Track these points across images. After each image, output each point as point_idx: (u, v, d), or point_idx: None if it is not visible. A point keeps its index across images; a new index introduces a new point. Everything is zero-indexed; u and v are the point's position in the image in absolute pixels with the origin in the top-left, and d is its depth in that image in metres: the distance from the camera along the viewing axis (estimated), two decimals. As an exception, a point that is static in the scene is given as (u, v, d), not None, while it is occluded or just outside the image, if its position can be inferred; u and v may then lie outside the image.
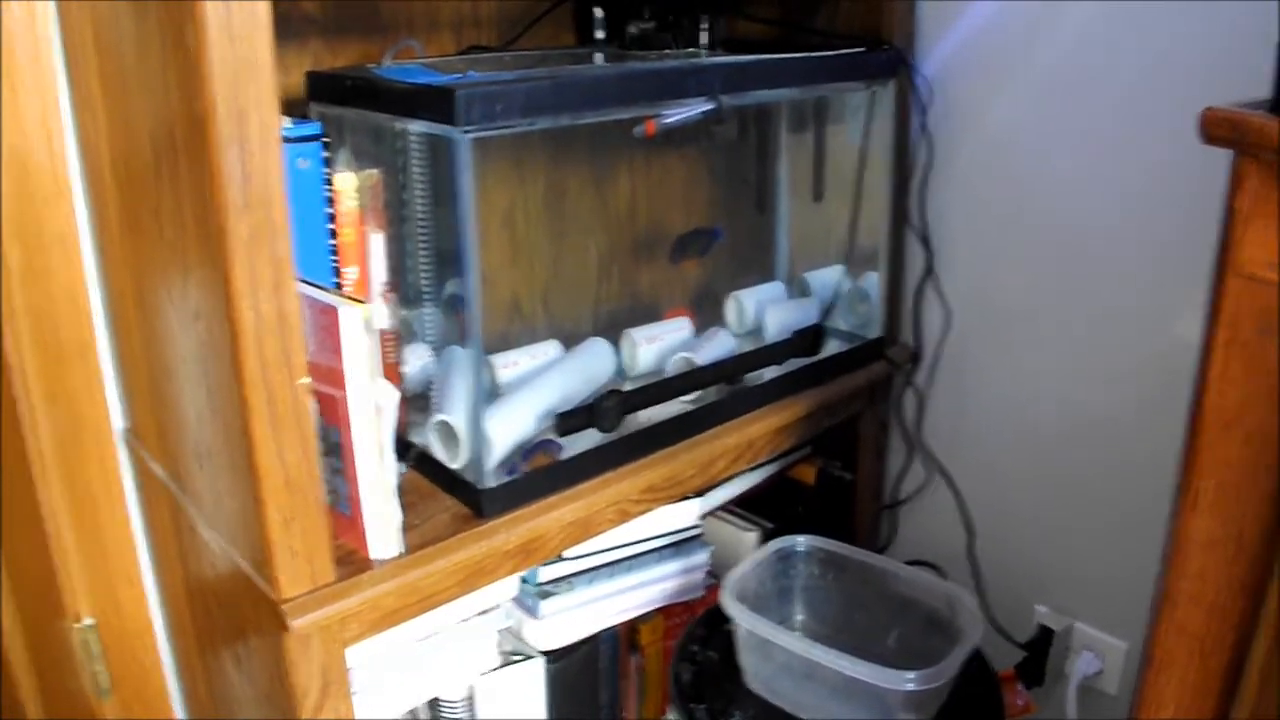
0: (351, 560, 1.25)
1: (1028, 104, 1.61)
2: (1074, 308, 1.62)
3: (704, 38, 1.67)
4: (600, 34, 1.68)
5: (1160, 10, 1.43)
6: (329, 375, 1.18)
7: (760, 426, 1.62)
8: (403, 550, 1.27)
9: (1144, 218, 1.51)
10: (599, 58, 1.60)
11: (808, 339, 1.71)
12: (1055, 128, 1.58)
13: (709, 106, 1.42)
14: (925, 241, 1.78)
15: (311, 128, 1.25)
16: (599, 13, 1.67)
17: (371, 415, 1.20)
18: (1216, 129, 0.82)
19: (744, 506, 1.84)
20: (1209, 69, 1.39)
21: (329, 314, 1.15)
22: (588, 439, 1.45)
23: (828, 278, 1.84)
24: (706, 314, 1.79)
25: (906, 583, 1.56)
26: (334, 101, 1.38)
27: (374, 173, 1.37)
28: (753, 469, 1.76)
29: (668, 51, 1.63)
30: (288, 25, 1.45)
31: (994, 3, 1.62)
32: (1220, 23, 1.36)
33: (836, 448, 1.88)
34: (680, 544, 1.68)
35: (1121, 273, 1.55)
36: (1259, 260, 0.83)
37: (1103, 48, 1.51)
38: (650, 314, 1.75)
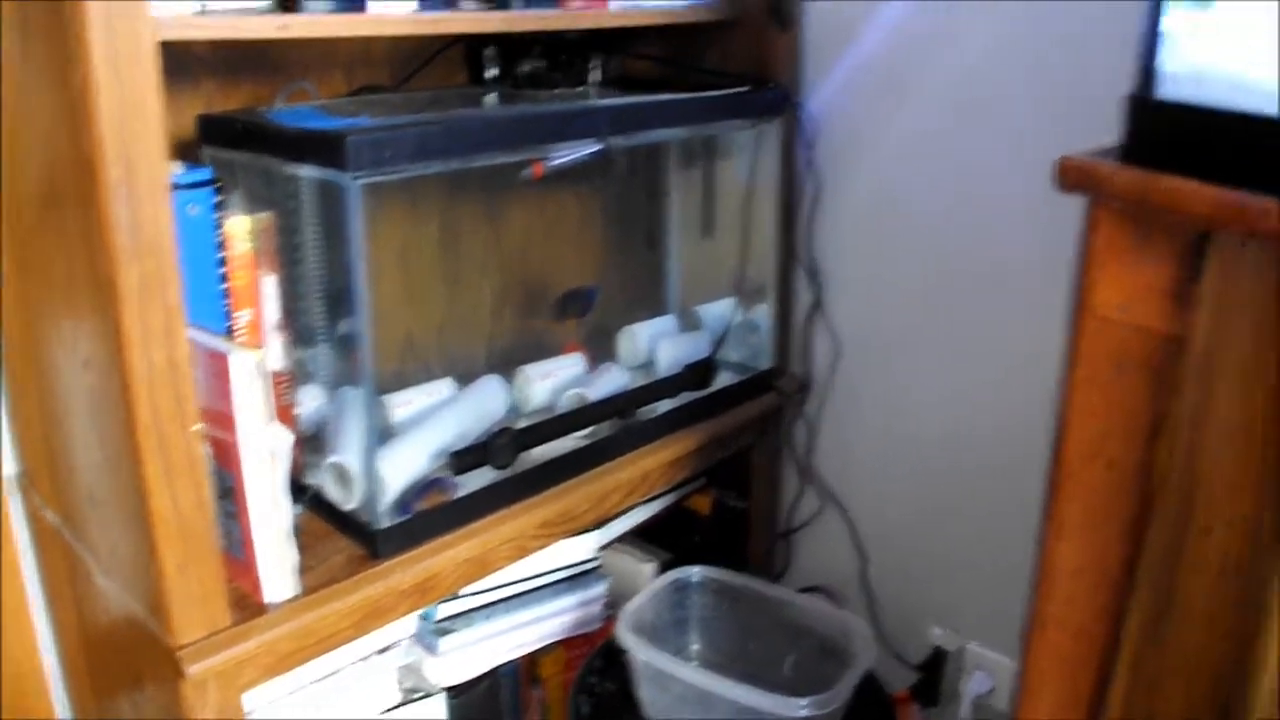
0: (247, 604, 1.25)
1: (910, 140, 1.66)
2: (956, 337, 1.67)
3: (595, 76, 1.70)
4: (493, 72, 1.70)
5: (1039, 50, 1.48)
6: (221, 420, 1.19)
7: (653, 460, 1.64)
8: (298, 593, 1.27)
9: (1020, 250, 1.56)
10: (490, 98, 1.62)
11: (699, 372, 1.74)
12: (936, 163, 1.63)
13: (597, 148, 1.44)
14: (813, 274, 1.82)
15: (202, 173, 1.26)
16: (491, 52, 1.69)
17: (265, 459, 1.21)
18: (1070, 177, 0.87)
19: (642, 537, 1.86)
20: (1086, 109, 1.44)
21: (220, 361, 1.16)
22: (482, 477, 1.46)
23: (719, 311, 1.88)
24: (600, 349, 1.81)
25: (800, 610, 1.59)
26: (226, 145, 1.38)
27: (267, 215, 1.37)
28: (649, 501, 1.78)
29: (558, 91, 1.66)
30: (179, 66, 1.45)
31: (878, 42, 1.66)
32: (1096, 66, 1.40)
33: (732, 477, 1.91)
34: (578, 577, 1.69)
35: (1000, 303, 1.60)
36: (1112, 302, 0.87)
37: (981, 87, 1.56)
38: (544, 350, 1.77)
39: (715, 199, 1.87)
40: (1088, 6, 1.42)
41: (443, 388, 1.62)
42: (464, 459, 1.45)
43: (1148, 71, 0.88)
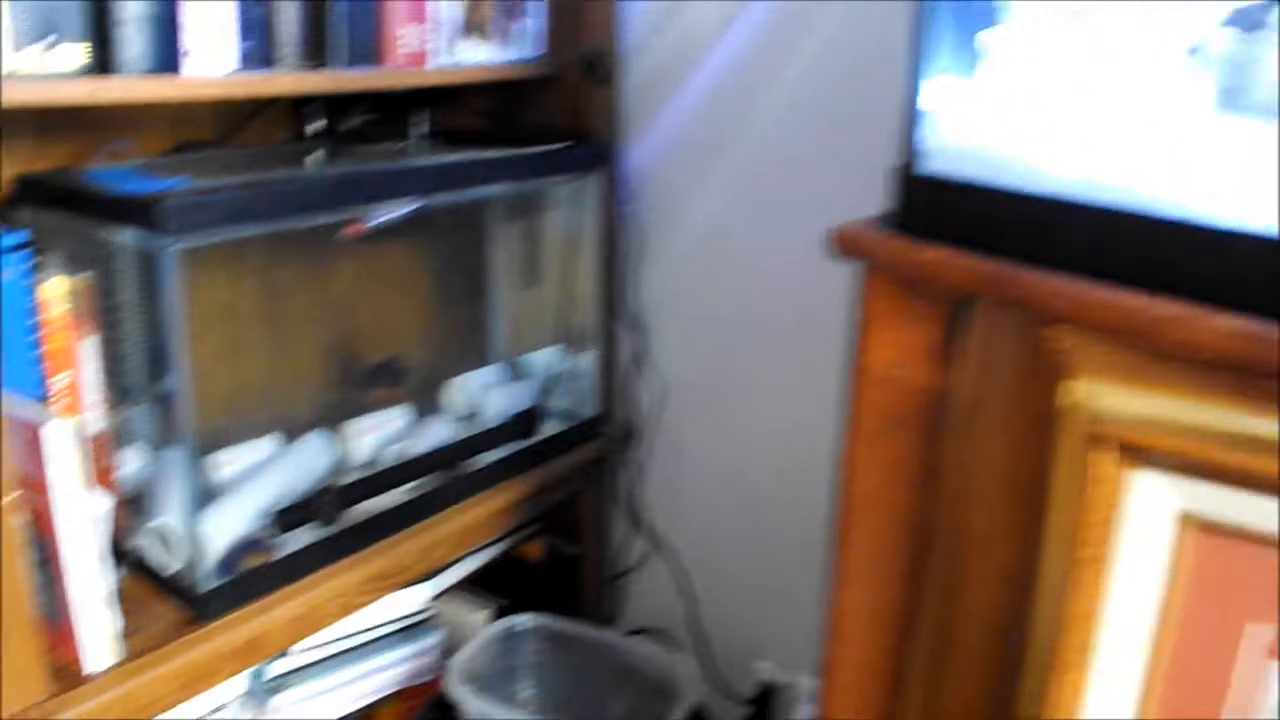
0: (68, 673, 1.24)
1: (727, 192, 1.72)
2: (775, 379, 1.73)
3: (418, 130, 1.72)
4: (318, 125, 1.71)
5: (836, 115, 1.56)
6: (38, 487, 1.18)
7: (481, 511, 1.66)
8: (121, 659, 1.26)
9: (827, 301, 1.61)
10: (314, 157, 1.63)
11: (524, 421, 1.77)
12: (751, 216, 1.69)
13: (415, 206, 1.47)
14: (636, 322, 1.86)
15: (16, 237, 1.25)
16: (315, 107, 1.70)
17: (83, 525, 1.20)
18: (842, 245, 0.92)
19: (475, 586, 1.88)
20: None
21: (32, 429, 1.15)
22: (308, 534, 1.47)
23: (544, 360, 1.91)
24: (426, 400, 1.83)
25: (629, 653, 1.62)
26: (43, 206, 1.37)
27: (86, 276, 1.37)
28: (479, 550, 1.80)
29: (382, 146, 1.68)
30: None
31: (695, 97, 1.72)
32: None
33: (562, 524, 1.94)
34: (412, 628, 1.70)
35: (812, 348, 1.66)
36: (884, 361, 0.92)
37: (785, 149, 1.63)
38: (371, 404, 1.78)
39: (539, 250, 1.91)
40: (882, 78, 1.49)
41: (267, 445, 1.62)
42: (288, 517, 1.45)
43: (910, 146, 0.94)
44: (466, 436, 1.71)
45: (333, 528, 1.49)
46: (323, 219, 1.39)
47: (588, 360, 1.87)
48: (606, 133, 1.77)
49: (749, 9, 1.65)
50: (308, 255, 1.74)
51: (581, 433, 1.86)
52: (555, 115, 1.80)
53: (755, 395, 1.76)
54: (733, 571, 1.88)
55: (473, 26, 1.69)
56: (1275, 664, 0.78)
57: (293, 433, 1.65)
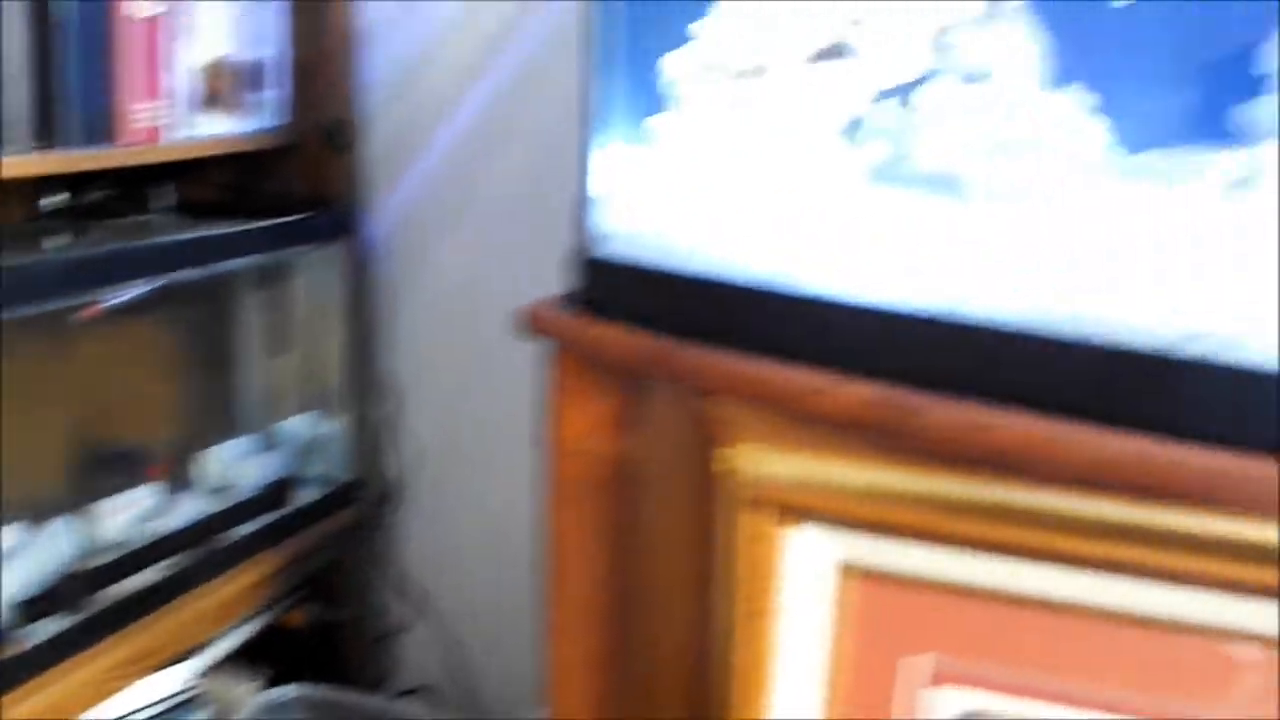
0: None
1: (471, 252, 1.76)
2: (524, 434, 1.76)
3: (161, 204, 1.71)
4: (56, 200, 1.68)
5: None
6: None
7: (238, 584, 1.65)
8: None
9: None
10: (50, 233, 1.60)
11: (278, 491, 1.77)
12: (495, 272, 1.74)
13: (155, 284, 1.46)
14: (387, 385, 1.89)
15: None
16: (53, 183, 1.67)
17: None
18: (526, 324, 0.98)
19: (243, 659, 1.86)
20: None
21: None
22: (55, 623, 1.44)
23: (297, 428, 1.90)
24: (178, 476, 1.80)
25: (397, 715, 1.63)
26: None
27: None
28: (242, 623, 1.78)
29: (124, 221, 1.65)
30: None
31: (436, 161, 1.76)
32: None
33: (326, 590, 1.93)
34: (177, 707, 1.67)
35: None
36: (574, 434, 0.99)
37: (530, 201, 1.68)
38: (119, 484, 1.75)
39: (288, 318, 1.91)
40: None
41: (11, 535, 1.57)
42: (33, 608, 1.42)
43: (585, 228, 1.00)
44: (219, 510, 1.70)
45: (82, 614, 1.46)
46: (58, 303, 1.37)
47: (340, 426, 1.88)
48: (349, 199, 1.79)
49: (486, 75, 1.70)
50: (46, 337, 1.70)
51: (337, 499, 1.86)
52: (299, 184, 1.81)
53: (509, 452, 1.79)
54: (499, 626, 1.90)
55: (212, 98, 1.70)
56: (932, 691, 0.86)
57: (38, 519, 1.61)
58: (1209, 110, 0.87)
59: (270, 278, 1.91)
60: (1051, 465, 0.79)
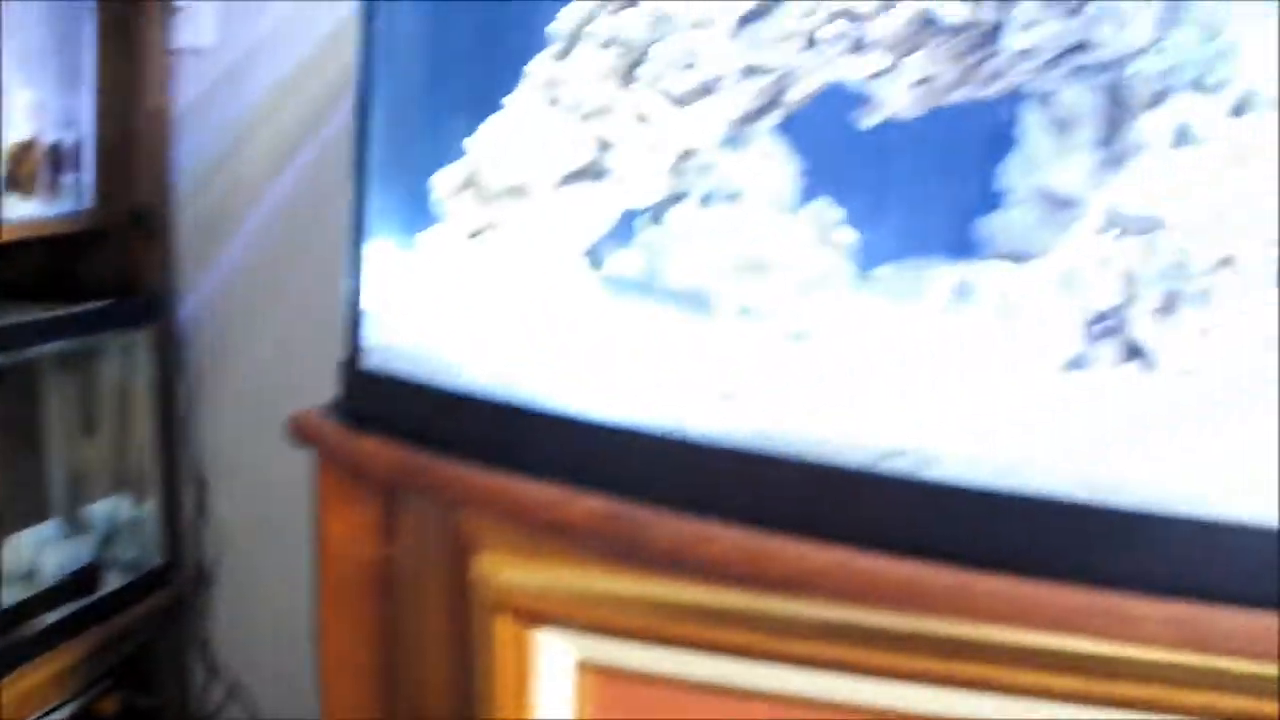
0: None
1: (282, 336, 1.78)
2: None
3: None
4: None
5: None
6: None
7: (45, 672, 1.63)
8: None
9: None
10: None
11: (85, 576, 1.75)
12: (301, 357, 1.75)
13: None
14: (195, 469, 1.90)
15: None
16: None
17: None
18: (296, 432, 1.02)
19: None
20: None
21: None
22: None
23: (105, 512, 1.89)
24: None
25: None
26: None
27: None
28: (51, 711, 1.76)
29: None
30: None
31: (247, 245, 1.78)
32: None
33: (138, 676, 1.90)
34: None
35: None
36: (339, 539, 1.03)
37: (333, 292, 1.70)
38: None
39: (97, 402, 1.90)
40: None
41: None
42: None
43: (353, 340, 1.05)
44: (23, 599, 1.68)
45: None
46: None
47: (149, 509, 1.87)
48: (159, 283, 1.80)
49: (295, 163, 1.72)
50: None
51: (148, 583, 1.85)
52: (108, 268, 1.81)
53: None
54: (311, 709, 1.90)
55: (17, 182, 1.69)
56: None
57: None
58: (946, 225, 0.94)
59: (79, 361, 1.90)
60: (765, 574, 0.85)
